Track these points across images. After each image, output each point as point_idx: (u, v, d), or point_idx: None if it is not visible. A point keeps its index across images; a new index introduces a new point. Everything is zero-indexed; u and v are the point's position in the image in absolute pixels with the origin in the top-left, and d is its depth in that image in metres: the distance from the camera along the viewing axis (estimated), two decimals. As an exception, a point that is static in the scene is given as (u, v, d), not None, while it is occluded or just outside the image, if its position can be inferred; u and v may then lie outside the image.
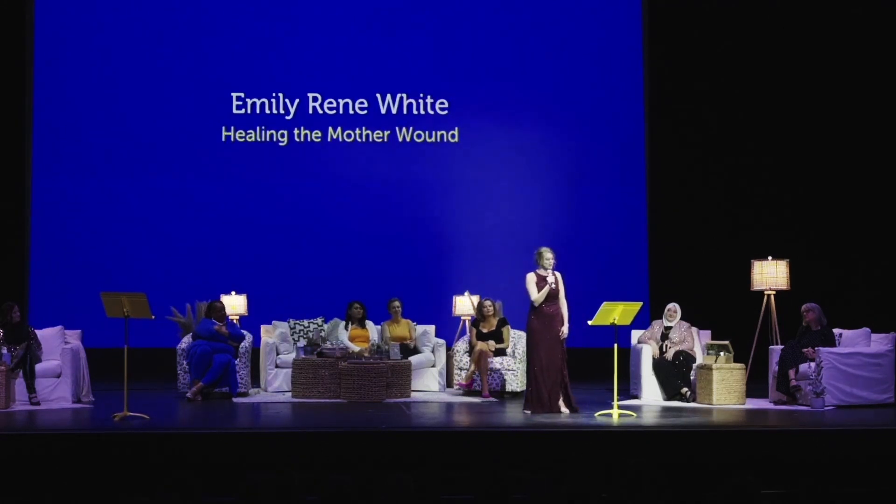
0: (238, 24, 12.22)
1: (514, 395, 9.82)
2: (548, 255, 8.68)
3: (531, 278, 8.66)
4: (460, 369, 10.08)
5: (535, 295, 8.60)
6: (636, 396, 9.63)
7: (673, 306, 9.76)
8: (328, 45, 12.29)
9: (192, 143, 12.15)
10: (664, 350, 9.53)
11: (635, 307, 8.54)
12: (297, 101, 12.25)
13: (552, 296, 8.62)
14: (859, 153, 11.94)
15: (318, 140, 12.24)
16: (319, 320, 10.58)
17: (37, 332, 9.08)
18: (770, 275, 10.19)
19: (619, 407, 8.36)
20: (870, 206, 11.88)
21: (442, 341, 10.43)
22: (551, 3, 12.40)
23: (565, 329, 8.61)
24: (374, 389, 9.36)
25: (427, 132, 12.30)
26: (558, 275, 8.71)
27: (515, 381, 9.91)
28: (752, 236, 11.69)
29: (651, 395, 9.51)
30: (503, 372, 9.89)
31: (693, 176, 12.17)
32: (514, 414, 8.59)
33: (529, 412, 8.50)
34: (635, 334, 9.94)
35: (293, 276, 12.03)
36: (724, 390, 9.00)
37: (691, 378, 9.33)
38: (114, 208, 12.01)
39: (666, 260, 12.13)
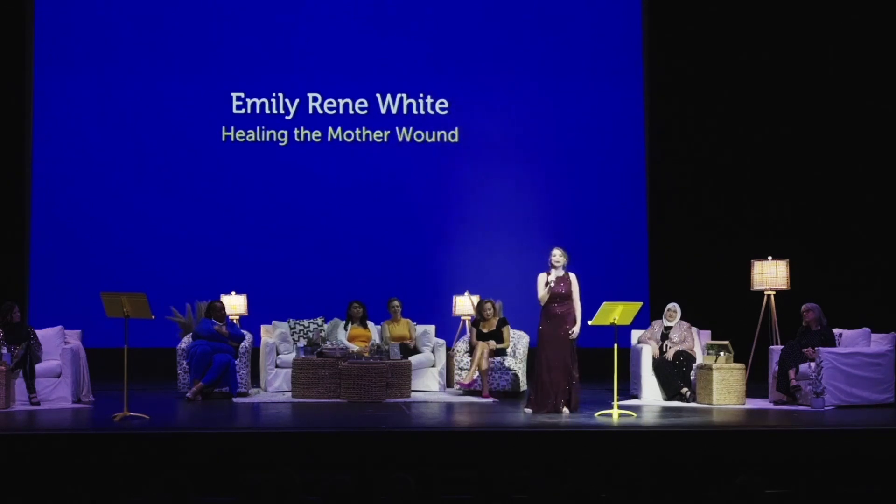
0: (238, 25, 12.22)
1: (515, 395, 9.82)
2: (552, 253, 8.69)
3: (540, 278, 8.67)
4: (460, 369, 10.07)
5: (539, 294, 8.62)
6: (636, 396, 9.63)
7: (673, 306, 9.76)
8: (328, 45, 12.29)
9: (192, 143, 12.15)
10: (664, 350, 9.53)
11: (635, 307, 8.54)
12: (297, 101, 12.25)
13: (562, 296, 8.60)
14: (860, 153, 11.94)
15: (318, 140, 12.24)
16: (319, 320, 10.58)
17: (37, 332, 9.08)
18: (770, 275, 10.19)
19: (619, 407, 8.35)
20: (870, 206, 11.88)
21: (442, 341, 10.43)
22: (551, 2, 12.39)
23: (575, 329, 8.60)
24: (374, 389, 9.36)
25: (427, 132, 12.30)
26: (572, 276, 8.67)
27: (516, 381, 9.91)
28: (752, 236, 11.68)
29: (651, 395, 9.50)
30: (503, 372, 9.88)
31: (693, 176, 12.17)
32: (514, 414, 8.59)
33: (530, 411, 8.51)
34: (635, 334, 9.94)
35: (293, 276, 12.03)
36: (724, 390, 9.00)
37: (691, 378, 9.33)
38: (114, 208, 12.01)
39: (666, 260, 12.13)
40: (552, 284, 8.59)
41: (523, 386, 9.90)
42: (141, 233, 12.01)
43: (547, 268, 8.70)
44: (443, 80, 12.35)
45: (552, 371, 8.52)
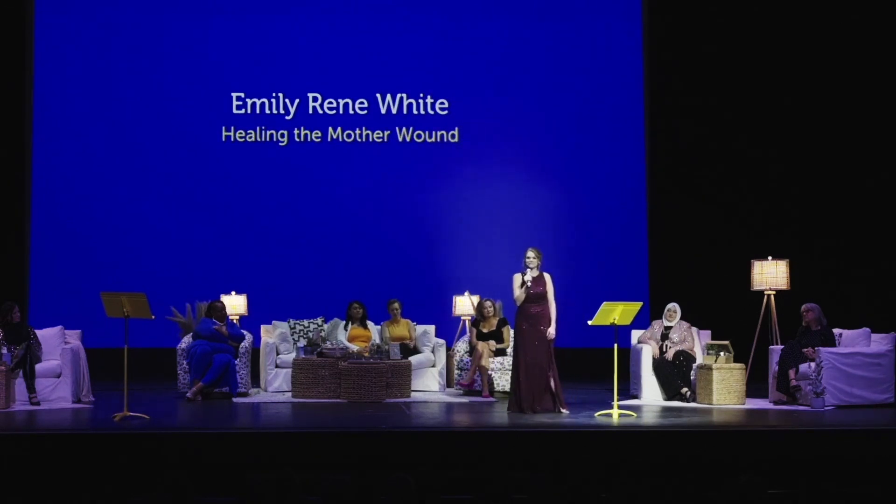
0: (238, 25, 12.22)
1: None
2: (528, 255, 8.71)
3: (516, 279, 8.70)
4: (460, 369, 10.08)
5: (514, 294, 8.62)
6: (636, 396, 9.63)
7: (673, 306, 9.76)
8: (328, 45, 12.29)
9: (192, 144, 12.15)
10: (664, 350, 9.53)
11: (635, 307, 8.53)
12: (297, 101, 12.25)
13: (538, 296, 8.61)
14: (860, 152, 11.94)
15: (318, 140, 12.24)
16: (319, 320, 10.58)
17: (37, 332, 9.07)
18: (770, 275, 10.19)
19: (619, 407, 8.35)
20: (870, 205, 11.87)
21: (442, 341, 10.43)
22: (551, 3, 12.39)
23: (551, 330, 8.61)
24: (374, 389, 9.36)
25: (427, 132, 12.30)
26: (546, 276, 8.70)
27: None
28: (752, 236, 11.69)
29: (651, 395, 9.50)
30: (504, 372, 9.88)
31: (693, 176, 12.17)
32: (514, 414, 8.57)
33: (514, 412, 8.48)
34: (635, 334, 9.94)
35: (293, 276, 12.03)
36: (724, 390, 9.00)
37: (691, 378, 9.33)
38: (114, 208, 12.01)
39: (666, 260, 12.13)
40: (529, 285, 8.60)
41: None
42: (141, 233, 12.00)
43: (522, 268, 8.72)
44: (443, 80, 12.35)
45: (529, 371, 8.53)
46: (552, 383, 8.56)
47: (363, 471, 6.00)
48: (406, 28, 12.34)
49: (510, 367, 9.83)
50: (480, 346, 9.78)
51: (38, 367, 8.86)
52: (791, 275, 10.17)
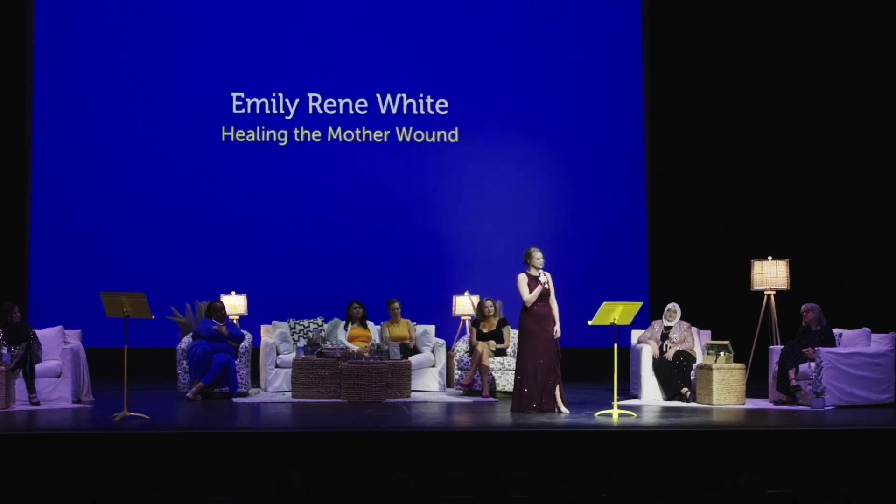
0: (238, 24, 12.22)
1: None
2: (537, 255, 8.70)
3: (522, 279, 8.68)
4: (460, 369, 10.08)
5: (528, 295, 8.61)
6: (636, 396, 9.63)
7: (673, 306, 9.76)
8: (328, 45, 12.30)
9: (192, 143, 12.14)
10: (664, 350, 9.53)
11: (635, 307, 8.54)
12: (297, 101, 12.25)
13: (544, 296, 8.63)
14: (860, 153, 11.93)
15: (318, 140, 12.24)
16: (319, 320, 10.58)
17: (37, 332, 9.07)
18: (770, 275, 10.19)
19: (619, 407, 8.35)
20: (870, 205, 11.87)
21: (442, 341, 10.42)
22: (551, 3, 12.40)
23: (558, 329, 8.62)
24: (374, 389, 9.36)
25: (427, 132, 12.30)
26: (548, 275, 8.72)
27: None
28: (752, 236, 11.69)
29: (651, 395, 9.50)
30: (503, 372, 9.88)
31: (693, 176, 12.17)
32: (515, 414, 8.58)
33: (520, 412, 8.49)
34: (635, 334, 9.94)
35: (293, 276, 12.03)
36: (724, 390, 9.00)
37: (691, 378, 9.33)
38: (114, 208, 12.01)
39: (666, 260, 12.13)
40: (545, 285, 8.61)
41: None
42: (141, 232, 12.00)
43: (524, 269, 8.71)
44: (443, 80, 12.35)
45: (538, 371, 8.53)
46: (558, 383, 8.57)
47: (363, 471, 6.01)
48: (406, 28, 12.34)
49: (510, 367, 9.85)
50: (480, 345, 9.78)
51: (38, 367, 8.85)
52: (791, 275, 10.17)
